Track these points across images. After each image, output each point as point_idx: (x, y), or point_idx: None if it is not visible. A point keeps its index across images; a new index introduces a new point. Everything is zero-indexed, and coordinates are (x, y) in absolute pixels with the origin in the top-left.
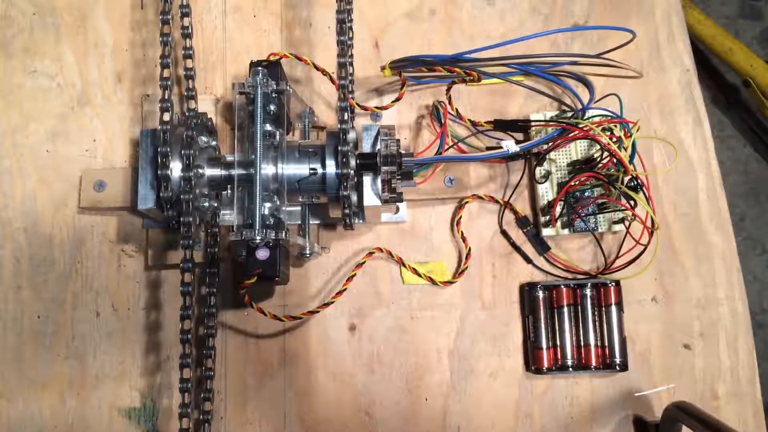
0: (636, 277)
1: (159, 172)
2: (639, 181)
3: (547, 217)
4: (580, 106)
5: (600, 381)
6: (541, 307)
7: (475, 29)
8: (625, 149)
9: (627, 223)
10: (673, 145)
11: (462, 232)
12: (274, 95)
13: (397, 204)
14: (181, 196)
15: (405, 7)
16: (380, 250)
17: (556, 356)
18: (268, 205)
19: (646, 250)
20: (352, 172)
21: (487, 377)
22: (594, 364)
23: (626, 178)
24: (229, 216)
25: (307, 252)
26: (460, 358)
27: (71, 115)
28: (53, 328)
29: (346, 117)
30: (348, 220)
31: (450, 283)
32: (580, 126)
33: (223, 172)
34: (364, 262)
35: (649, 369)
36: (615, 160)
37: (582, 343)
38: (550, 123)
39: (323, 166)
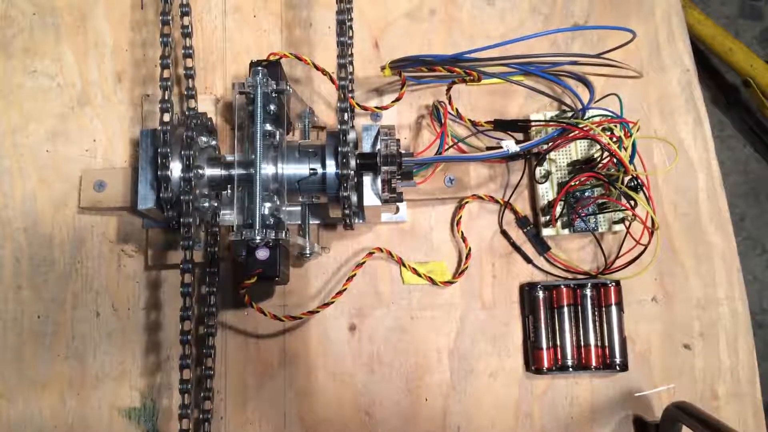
0: (636, 277)
1: (159, 173)
2: (639, 181)
3: (547, 217)
4: (580, 106)
5: (600, 381)
6: (541, 307)
7: (475, 29)
8: (625, 149)
9: (627, 223)
10: (673, 145)
11: (462, 232)
12: (274, 95)
13: (397, 204)
14: (181, 197)
15: (405, 7)
16: (380, 250)
17: (556, 356)
18: (268, 205)
19: (646, 250)
20: (352, 172)
21: (487, 377)
22: (594, 364)
23: (626, 178)
24: (229, 216)
25: (307, 252)
26: (460, 358)
27: (71, 115)
28: (53, 328)
29: (346, 117)
30: (348, 220)
31: (450, 283)
32: (580, 126)
33: (223, 172)
34: (364, 262)
35: (649, 369)
36: (615, 160)
37: (582, 343)
38: (550, 123)
39: (323, 166)
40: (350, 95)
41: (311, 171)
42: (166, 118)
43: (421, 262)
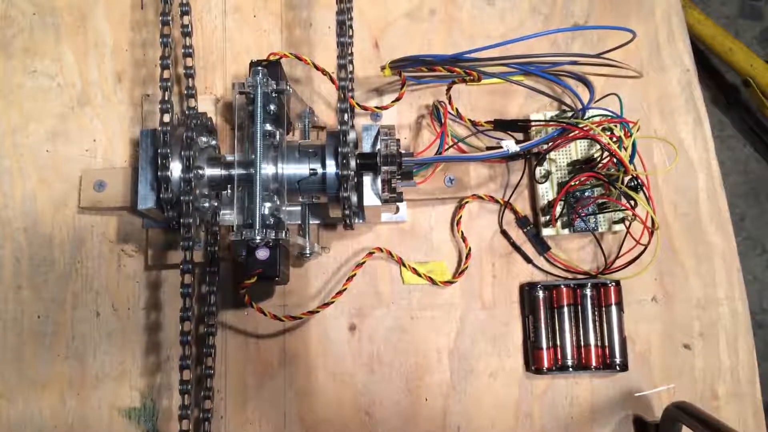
0: (636, 277)
1: (159, 173)
2: (639, 181)
3: (547, 217)
4: (580, 106)
5: (600, 381)
6: (541, 307)
7: (475, 29)
8: (625, 149)
9: (627, 223)
10: (673, 145)
11: (462, 232)
12: (274, 95)
13: (397, 204)
14: (181, 197)
15: (405, 7)
16: (380, 250)
17: (556, 356)
18: (268, 205)
19: (646, 250)
20: (352, 172)
21: (487, 377)
22: (594, 364)
23: (626, 178)
24: (229, 216)
25: (307, 252)
26: (460, 358)
27: (71, 115)
28: (53, 328)
29: (346, 117)
30: (348, 220)
31: (450, 283)
32: (580, 126)
33: (223, 172)
34: (364, 262)
35: (649, 369)
36: (615, 160)
37: (582, 343)
38: (550, 123)
39: (323, 166)
40: (350, 95)
41: (311, 171)
42: (166, 118)
43: (421, 262)
